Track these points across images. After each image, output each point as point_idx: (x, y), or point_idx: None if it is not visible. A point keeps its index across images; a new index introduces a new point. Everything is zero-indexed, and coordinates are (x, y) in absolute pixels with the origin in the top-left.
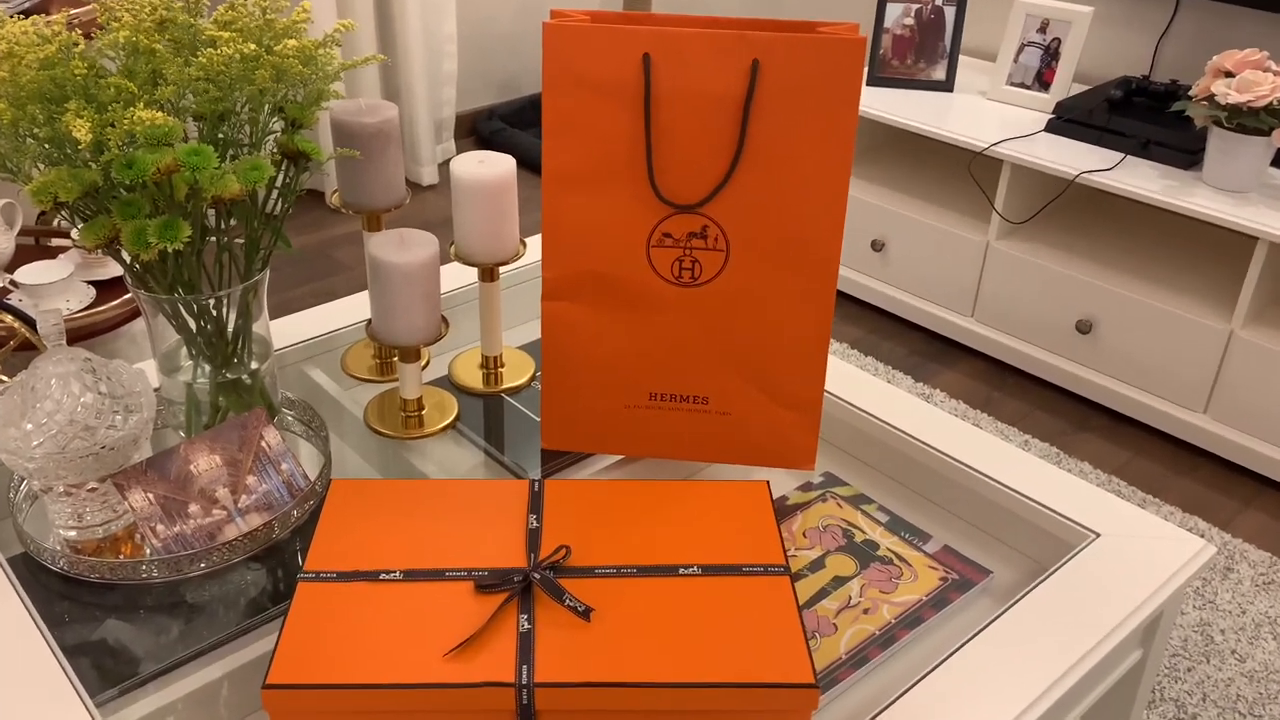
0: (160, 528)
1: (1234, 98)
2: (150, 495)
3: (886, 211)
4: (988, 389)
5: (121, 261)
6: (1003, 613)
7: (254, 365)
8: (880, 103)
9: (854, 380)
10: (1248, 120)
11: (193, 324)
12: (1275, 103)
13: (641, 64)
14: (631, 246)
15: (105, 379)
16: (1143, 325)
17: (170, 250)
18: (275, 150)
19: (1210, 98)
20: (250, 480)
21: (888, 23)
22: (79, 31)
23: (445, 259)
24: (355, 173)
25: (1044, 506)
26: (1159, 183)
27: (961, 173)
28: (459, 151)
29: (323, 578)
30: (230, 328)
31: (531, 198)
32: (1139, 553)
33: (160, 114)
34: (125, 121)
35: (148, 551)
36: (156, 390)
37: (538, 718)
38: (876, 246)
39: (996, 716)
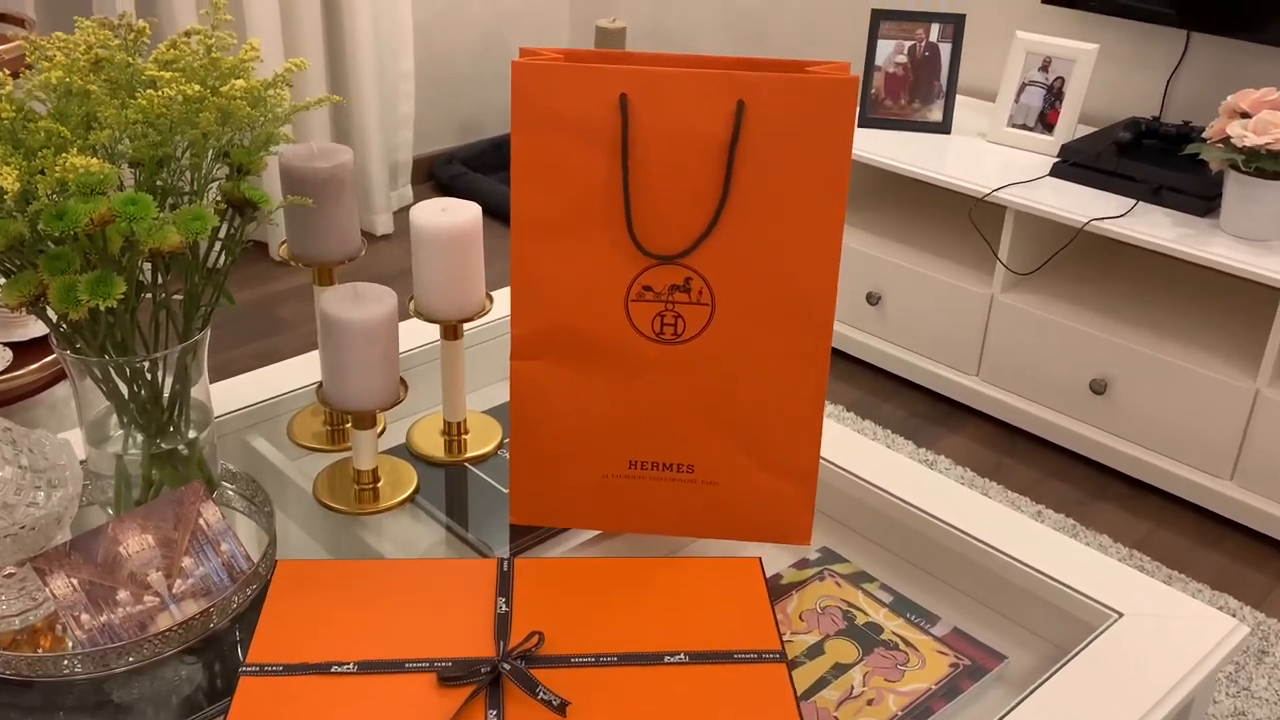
0: (85, 617)
1: (1251, 140)
2: (74, 581)
3: (883, 262)
4: (996, 455)
5: (47, 321)
6: (1020, 702)
7: (192, 434)
8: (873, 145)
9: (851, 446)
10: (1267, 164)
11: (125, 389)
12: None
13: (618, 105)
14: (608, 301)
15: (26, 450)
16: (1161, 384)
17: (102, 308)
18: (219, 199)
19: (1226, 140)
20: (186, 563)
21: (879, 60)
22: (5, 72)
23: (404, 315)
24: (306, 222)
25: (1062, 584)
26: (1174, 230)
27: (962, 220)
28: (416, 198)
29: (267, 671)
30: (166, 393)
31: (496, 247)
32: (1166, 634)
33: (94, 160)
34: (56, 169)
35: (70, 644)
36: (83, 463)
37: None
38: (872, 300)
39: None
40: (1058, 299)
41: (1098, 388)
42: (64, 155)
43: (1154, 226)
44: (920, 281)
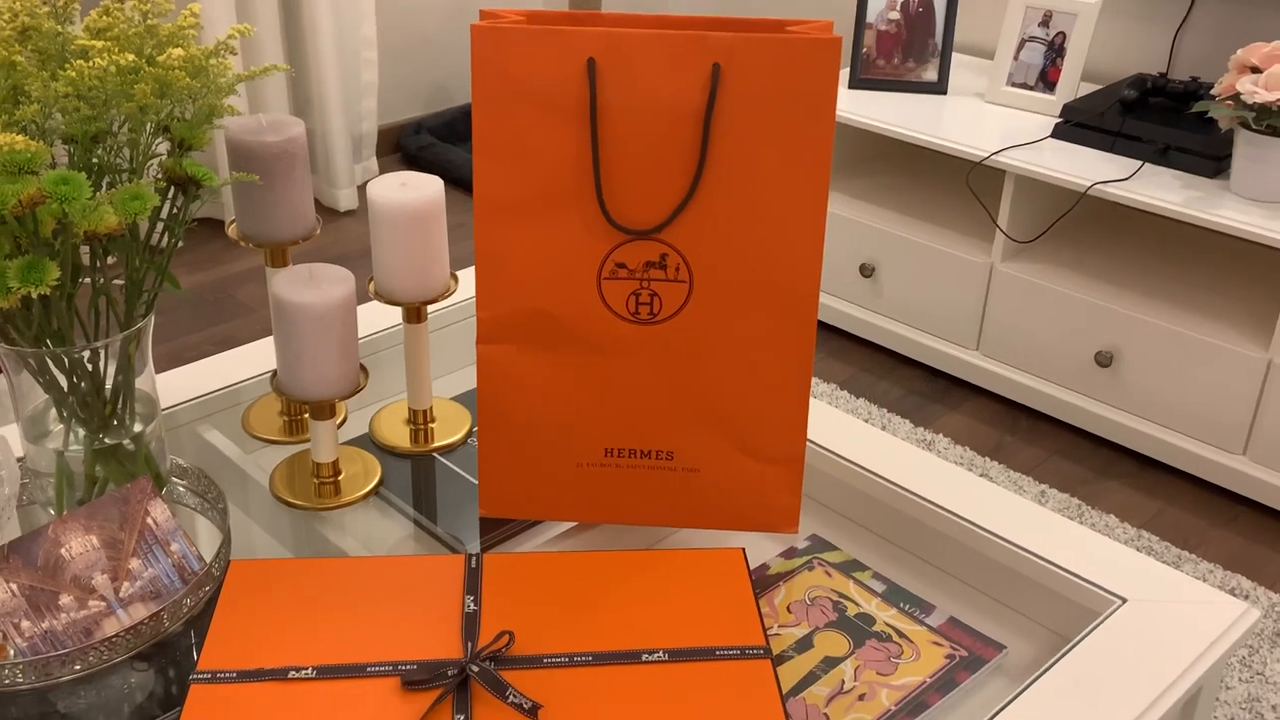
0: (25, 624)
1: (1262, 96)
2: (13, 586)
3: (876, 231)
4: (998, 433)
5: None
6: (1019, 694)
7: (137, 428)
8: (865, 107)
9: (842, 427)
10: (1278, 121)
11: (64, 381)
12: None
13: (586, 71)
14: (580, 280)
15: None
16: (1170, 356)
17: (35, 295)
18: (160, 176)
19: (1235, 96)
20: (134, 564)
21: (871, 17)
22: None
23: (363, 297)
24: (256, 200)
25: (1064, 570)
26: (1181, 193)
27: (959, 186)
28: (382, 170)
29: (220, 678)
30: (109, 384)
31: (464, 223)
32: (1173, 619)
33: (22, 137)
34: None
35: (11, 653)
36: (20, 460)
37: None
38: (866, 272)
39: None
40: (1061, 267)
41: (1103, 360)
42: None
43: (1161, 189)
44: (916, 251)
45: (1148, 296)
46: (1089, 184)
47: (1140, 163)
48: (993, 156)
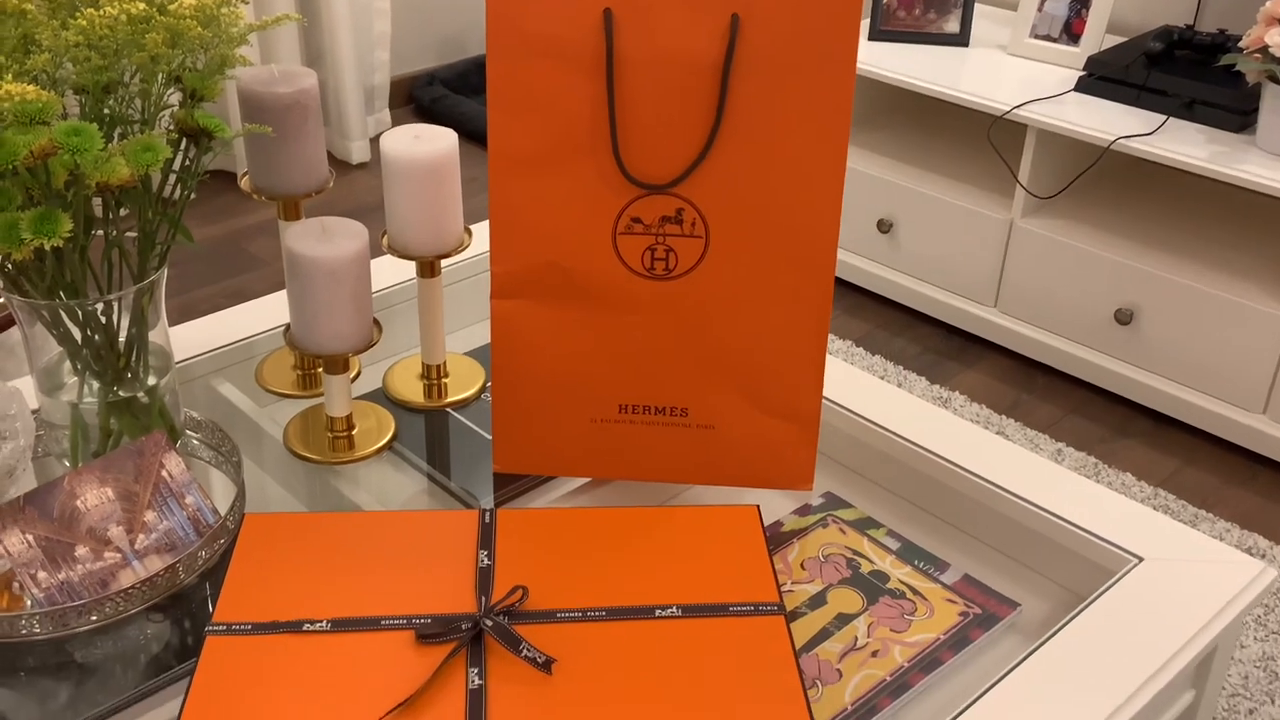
0: (42, 575)
1: None
2: (29, 537)
3: (894, 186)
4: (1014, 391)
5: None
6: (1033, 652)
7: (151, 381)
8: (884, 60)
9: (858, 384)
10: None
11: (77, 334)
12: None
13: (602, 21)
14: (595, 234)
15: None
16: (1191, 313)
17: (48, 247)
18: (171, 127)
19: (1264, 50)
20: (149, 517)
21: None
22: None
23: (377, 251)
24: (268, 152)
25: (1080, 528)
26: (1206, 148)
27: (980, 140)
28: (395, 123)
29: (235, 630)
30: (122, 337)
31: (478, 177)
32: (1189, 578)
33: (33, 87)
34: None
35: (28, 603)
36: (35, 412)
37: None
38: (883, 227)
39: None
40: (1082, 224)
41: (1123, 318)
42: None
43: (1185, 144)
44: (935, 207)
45: (1170, 253)
46: (1112, 138)
47: (1165, 117)
48: (1014, 110)
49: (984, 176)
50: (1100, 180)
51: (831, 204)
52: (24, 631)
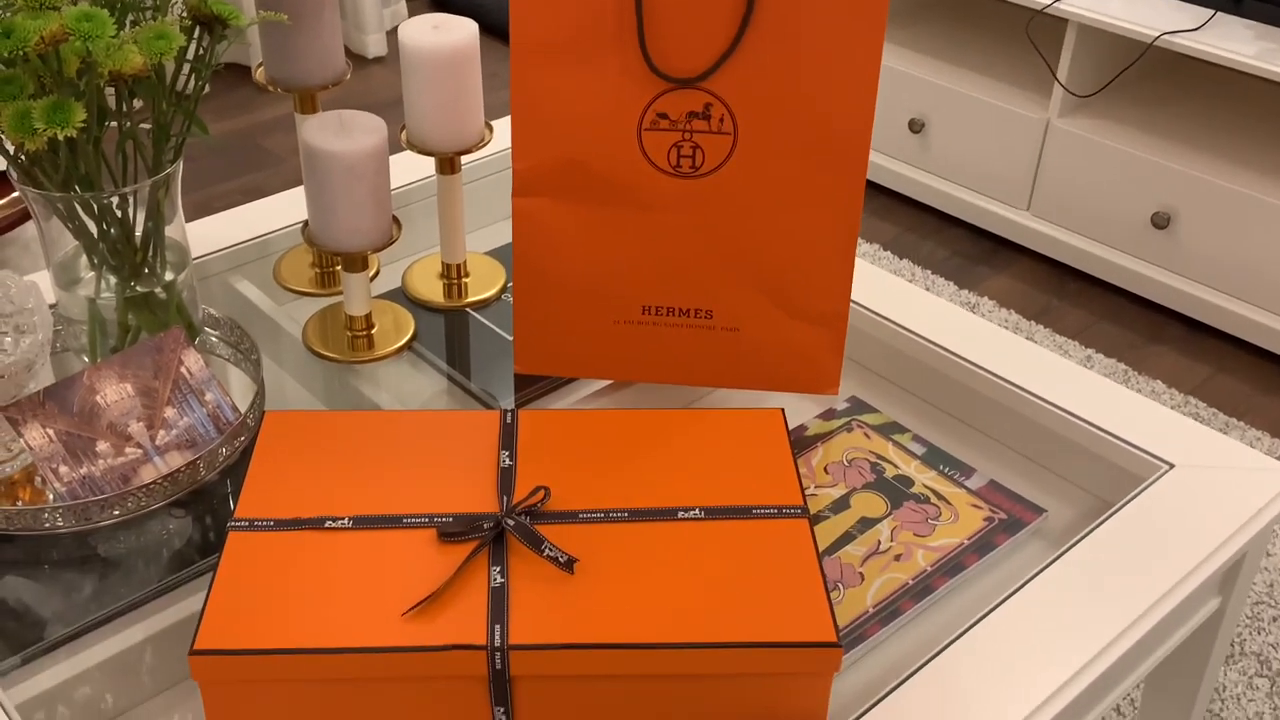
0: (64, 469)
1: None
2: (50, 431)
3: (927, 84)
4: (1045, 296)
5: (4, 152)
6: (1058, 557)
7: (169, 276)
8: None
9: (886, 288)
10: None
11: (93, 227)
12: None
13: None
14: (620, 130)
15: None
16: (1231, 217)
17: (61, 138)
18: (184, 15)
19: None
20: (169, 413)
21: None
22: None
23: (396, 147)
24: (283, 42)
25: (1108, 434)
26: (1255, 45)
27: (1018, 36)
28: (411, 15)
29: (257, 526)
30: (139, 231)
31: (499, 71)
32: (1218, 485)
33: None
34: None
35: (50, 497)
36: (53, 307)
37: (512, 685)
38: (915, 127)
39: (1049, 677)
40: (1121, 124)
41: (1160, 221)
42: None
43: (1232, 40)
44: (968, 106)
45: (1212, 155)
46: (1156, 34)
47: (1212, 11)
48: (1054, 4)
49: (1021, 74)
50: (1143, 78)
51: (865, 101)
52: (47, 525)
